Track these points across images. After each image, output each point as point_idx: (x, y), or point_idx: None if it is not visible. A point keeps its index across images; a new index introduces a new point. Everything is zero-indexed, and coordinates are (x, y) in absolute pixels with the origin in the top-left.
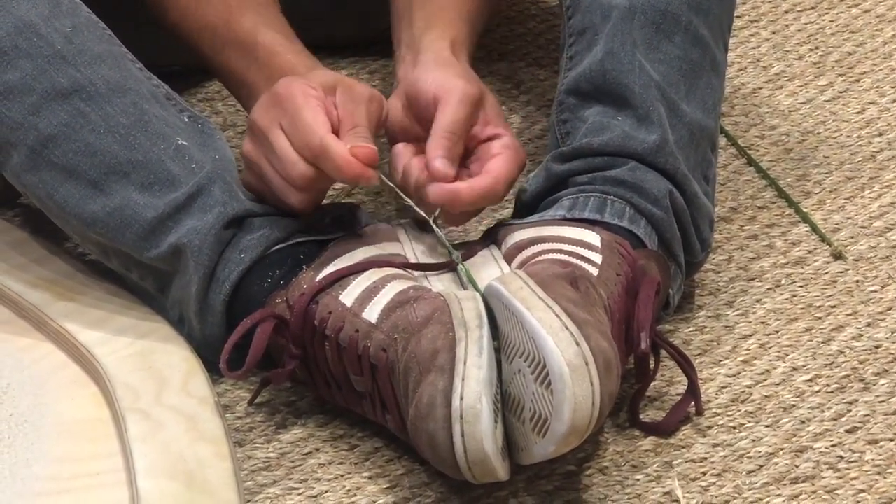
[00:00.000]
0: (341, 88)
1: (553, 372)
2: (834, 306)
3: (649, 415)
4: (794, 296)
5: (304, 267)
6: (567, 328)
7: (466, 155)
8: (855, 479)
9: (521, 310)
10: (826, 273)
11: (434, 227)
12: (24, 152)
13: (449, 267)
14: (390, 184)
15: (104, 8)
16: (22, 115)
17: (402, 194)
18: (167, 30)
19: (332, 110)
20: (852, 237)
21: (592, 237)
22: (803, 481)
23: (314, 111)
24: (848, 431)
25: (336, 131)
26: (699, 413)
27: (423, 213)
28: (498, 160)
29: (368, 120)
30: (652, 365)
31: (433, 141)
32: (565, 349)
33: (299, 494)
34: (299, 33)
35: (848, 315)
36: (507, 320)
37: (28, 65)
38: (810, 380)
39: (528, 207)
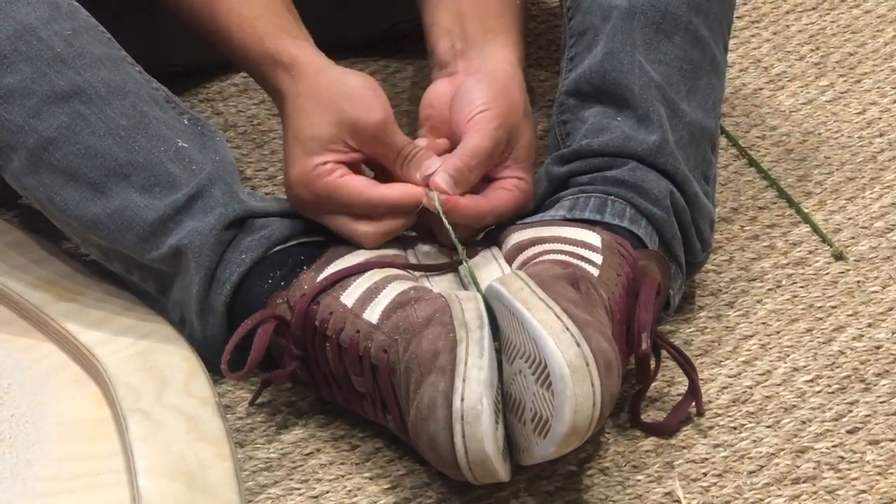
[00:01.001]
0: (346, 130)
1: (554, 373)
2: (835, 307)
3: (650, 415)
4: (795, 296)
5: (304, 268)
6: (568, 329)
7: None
8: (856, 479)
9: (522, 311)
10: (827, 273)
11: (444, 221)
12: (24, 155)
13: (450, 267)
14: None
15: (103, 10)
16: (22, 118)
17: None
18: (170, 13)
19: (350, 155)
20: (853, 238)
21: (593, 237)
22: (804, 482)
23: (351, 184)
24: (849, 432)
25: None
26: (700, 413)
27: (442, 214)
28: (503, 194)
29: (400, 137)
30: (653, 365)
31: (450, 160)
32: (566, 350)
33: (300, 495)
34: None
35: (849, 315)
36: (508, 321)
37: (28, 68)
38: (811, 380)
39: None
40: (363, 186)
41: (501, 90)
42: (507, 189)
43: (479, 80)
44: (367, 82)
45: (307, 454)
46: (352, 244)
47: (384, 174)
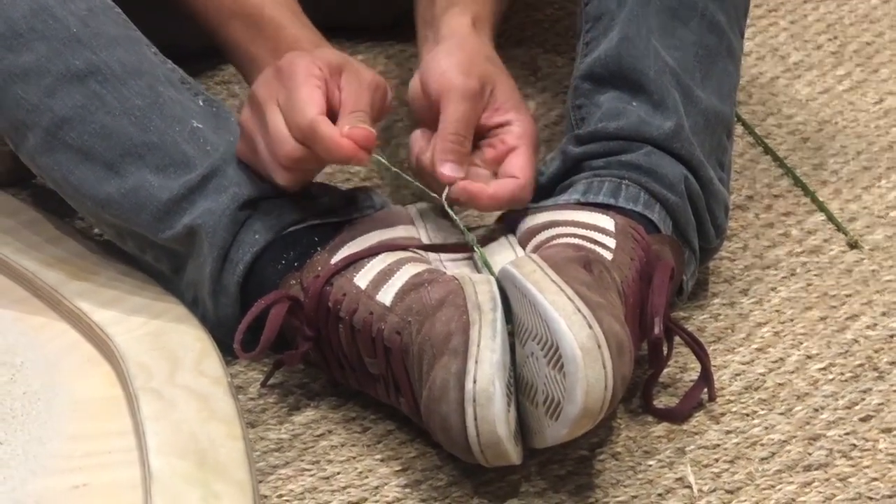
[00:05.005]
0: (347, 71)
1: (566, 355)
2: (849, 295)
3: (662, 401)
4: (810, 284)
5: (318, 249)
6: (580, 311)
7: (478, 138)
8: (868, 467)
9: (534, 293)
10: (841, 262)
11: (449, 210)
12: (39, 134)
13: (463, 248)
14: (393, 168)
15: None
16: (37, 97)
17: (408, 178)
18: (173, 2)
19: (334, 91)
20: (868, 226)
21: (606, 221)
22: (816, 469)
23: (310, 90)
24: (861, 420)
25: (336, 112)
26: (712, 399)
27: (435, 195)
28: (520, 159)
29: (371, 106)
30: (665, 350)
31: (439, 144)
32: (578, 332)
33: (311, 476)
34: (316, 17)
35: (863, 304)
36: (521, 304)
37: (43, 47)
38: (824, 368)
39: (544, 190)
40: (317, 102)
41: (455, 47)
42: (513, 145)
43: (434, 53)
44: None
45: (318, 435)
46: (365, 227)
47: None
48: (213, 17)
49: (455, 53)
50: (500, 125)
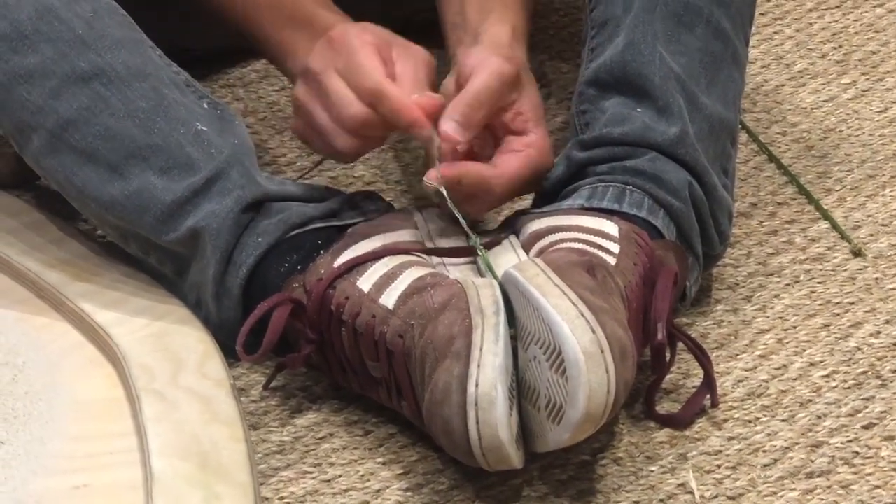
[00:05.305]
0: (398, 45)
1: (568, 359)
2: (852, 303)
3: (665, 406)
4: (813, 292)
5: (321, 252)
6: (583, 315)
7: (494, 143)
8: (870, 474)
9: (537, 296)
10: (845, 270)
11: (457, 213)
12: (44, 136)
13: (466, 253)
14: (437, 147)
15: None
16: (42, 98)
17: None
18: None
19: (388, 61)
20: (872, 235)
21: (610, 227)
22: (818, 476)
23: (370, 55)
24: (864, 427)
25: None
26: (715, 406)
27: (446, 198)
28: (512, 158)
29: (428, 82)
30: (668, 356)
31: (452, 104)
32: (581, 336)
33: (313, 478)
34: None
35: (866, 312)
36: (524, 307)
37: (49, 49)
38: (827, 375)
39: (548, 195)
40: (378, 66)
41: (494, 49)
42: (516, 150)
43: (473, 48)
44: None
45: (320, 438)
46: (368, 230)
47: None
48: (239, 8)
49: (495, 49)
50: (515, 133)
